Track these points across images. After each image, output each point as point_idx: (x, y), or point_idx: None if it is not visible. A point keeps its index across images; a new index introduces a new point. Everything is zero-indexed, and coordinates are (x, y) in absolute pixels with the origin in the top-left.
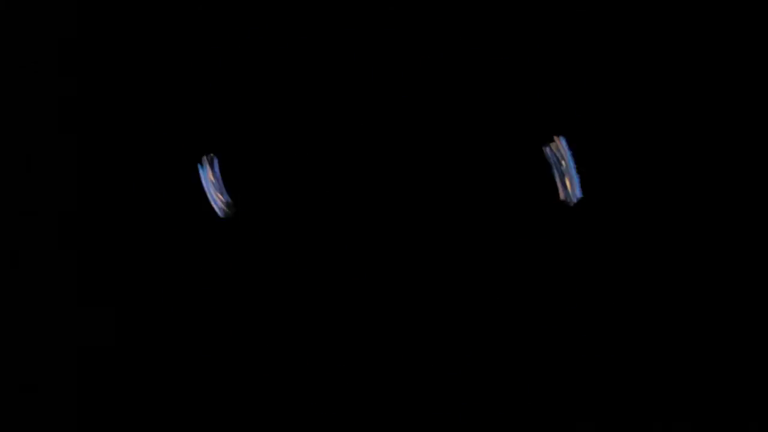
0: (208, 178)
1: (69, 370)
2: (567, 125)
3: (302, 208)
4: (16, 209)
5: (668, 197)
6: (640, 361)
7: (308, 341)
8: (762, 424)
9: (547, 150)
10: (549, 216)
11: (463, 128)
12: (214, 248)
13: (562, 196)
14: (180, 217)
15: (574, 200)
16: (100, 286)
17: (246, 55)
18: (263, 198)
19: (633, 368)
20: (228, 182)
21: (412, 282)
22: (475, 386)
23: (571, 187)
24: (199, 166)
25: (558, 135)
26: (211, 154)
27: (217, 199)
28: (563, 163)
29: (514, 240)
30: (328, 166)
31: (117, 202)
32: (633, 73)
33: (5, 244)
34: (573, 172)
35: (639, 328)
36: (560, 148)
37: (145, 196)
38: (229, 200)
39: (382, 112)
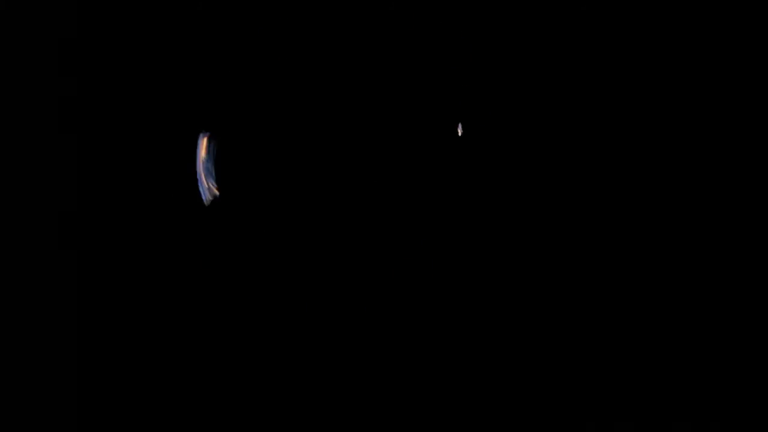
0: (204, 162)
1: (69, 370)
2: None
3: (298, 206)
4: (16, 209)
5: (661, 196)
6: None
7: (305, 340)
8: (762, 425)
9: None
10: (542, 215)
11: (454, 128)
12: (214, 247)
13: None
14: (180, 216)
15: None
16: (100, 285)
17: (245, 54)
18: (260, 195)
19: (631, 368)
20: (224, 177)
21: (404, 281)
22: (473, 386)
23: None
24: (199, 144)
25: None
26: (208, 138)
27: (206, 185)
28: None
29: (507, 239)
30: (322, 164)
31: (117, 202)
32: (624, 73)
33: (5, 244)
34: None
35: (636, 327)
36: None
37: (145, 195)
38: (215, 188)
39: (373, 111)
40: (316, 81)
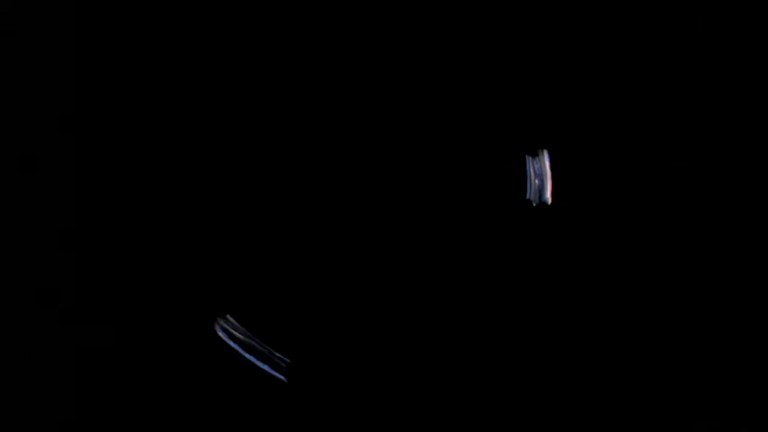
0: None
1: (69, 370)
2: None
3: (301, 208)
4: (16, 209)
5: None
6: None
7: (307, 341)
8: (762, 425)
9: (529, 159)
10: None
11: (454, 130)
12: (214, 248)
13: (529, 195)
14: (180, 216)
15: (539, 201)
16: (101, 287)
17: (243, 55)
18: (263, 197)
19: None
20: (226, 180)
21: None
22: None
23: (539, 190)
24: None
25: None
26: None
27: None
28: (537, 168)
29: (505, 241)
30: (323, 166)
31: (117, 204)
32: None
33: (5, 244)
34: (543, 178)
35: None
36: (540, 161)
37: (145, 195)
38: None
39: (376, 113)
40: (317, 81)
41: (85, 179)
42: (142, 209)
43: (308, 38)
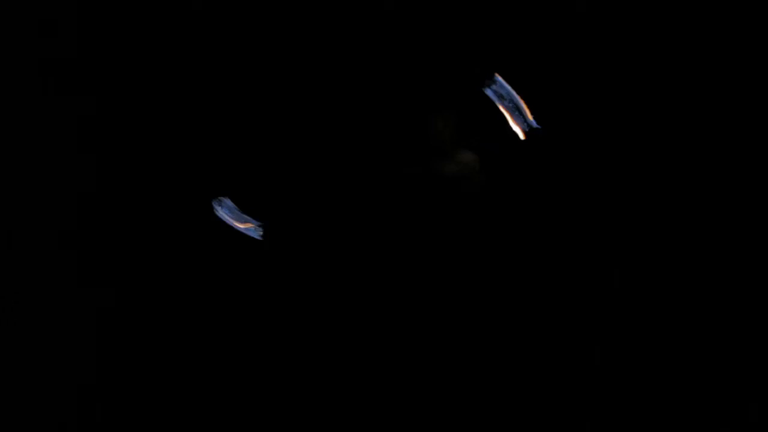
0: (225, 215)
1: (69, 372)
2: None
3: (301, 212)
4: (16, 209)
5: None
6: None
7: (307, 341)
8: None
9: (488, 90)
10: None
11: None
12: (214, 252)
13: (514, 128)
14: (179, 219)
15: (527, 128)
16: (100, 286)
17: (252, 65)
18: (266, 206)
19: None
20: (234, 189)
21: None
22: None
23: (521, 118)
24: (215, 205)
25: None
26: (219, 198)
27: (244, 227)
28: (506, 98)
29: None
30: (324, 169)
31: (117, 206)
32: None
33: (5, 244)
34: (519, 104)
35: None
36: (500, 86)
37: (145, 199)
38: (254, 222)
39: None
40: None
41: (85, 179)
42: (142, 209)
43: (307, 39)
